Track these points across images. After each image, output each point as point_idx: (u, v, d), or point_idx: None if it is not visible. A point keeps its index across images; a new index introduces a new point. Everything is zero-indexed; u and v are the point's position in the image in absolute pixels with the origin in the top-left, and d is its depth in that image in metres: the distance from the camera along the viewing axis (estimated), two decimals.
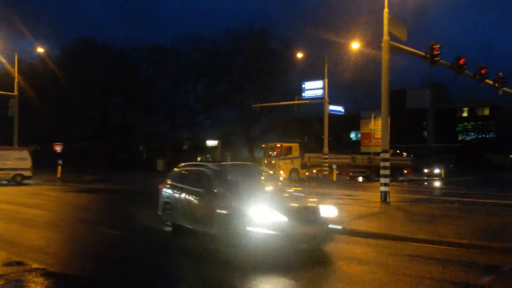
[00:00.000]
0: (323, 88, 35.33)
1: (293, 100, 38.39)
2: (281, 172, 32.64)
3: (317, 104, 38.35)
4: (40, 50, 43.51)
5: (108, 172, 41.23)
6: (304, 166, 34.08)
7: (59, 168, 31.18)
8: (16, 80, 34.81)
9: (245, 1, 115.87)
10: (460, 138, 65.90)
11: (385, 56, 16.67)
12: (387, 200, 15.97)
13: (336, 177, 36.11)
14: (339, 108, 39.29)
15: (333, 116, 37.94)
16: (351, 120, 53.67)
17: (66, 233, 10.11)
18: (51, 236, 9.54)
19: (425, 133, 68.36)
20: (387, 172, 16.38)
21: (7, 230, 10.07)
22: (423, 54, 18.02)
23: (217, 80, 56.70)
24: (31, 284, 5.88)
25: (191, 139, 52.56)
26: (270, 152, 34.40)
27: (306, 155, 34.97)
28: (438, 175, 41.86)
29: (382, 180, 16.29)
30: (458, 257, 8.10)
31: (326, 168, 34.70)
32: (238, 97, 56.88)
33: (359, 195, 20.96)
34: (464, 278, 6.70)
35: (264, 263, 7.25)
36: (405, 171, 39.51)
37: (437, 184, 33.39)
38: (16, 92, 34.57)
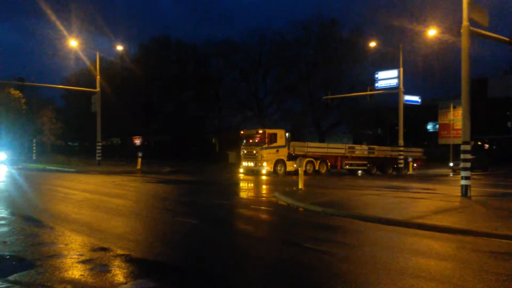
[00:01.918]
0: (398, 77, 34.08)
1: (365, 90, 37.21)
2: (264, 164, 29.15)
3: (389, 94, 36.90)
4: (119, 48, 45.67)
5: (184, 164, 42.77)
6: (290, 157, 30.03)
7: (139, 160, 32.64)
8: (98, 77, 36.97)
9: None
10: None
11: (465, 42, 15.80)
12: (468, 194, 15.22)
13: (411, 169, 34.85)
14: (416, 98, 37.63)
15: (408, 107, 36.53)
16: (428, 111, 51.42)
17: (147, 221, 10.61)
18: (133, 224, 10.06)
19: (509, 124, 63.93)
20: (468, 165, 15.59)
21: (93, 218, 10.77)
22: (507, 39, 17.01)
23: (285, 72, 56.57)
24: (117, 269, 6.25)
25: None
26: (250, 140, 30.64)
27: (292, 143, 31.28)
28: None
29: (463, 174, 15.55)
30: None
31: (401, 161, 33.66)
32: (306, 89, 56.45)
33: (438, 189, 20.18)
34: None
35: None
36: (415, 165, 35.73)
37: None
38: (98, 89, 36.75)
